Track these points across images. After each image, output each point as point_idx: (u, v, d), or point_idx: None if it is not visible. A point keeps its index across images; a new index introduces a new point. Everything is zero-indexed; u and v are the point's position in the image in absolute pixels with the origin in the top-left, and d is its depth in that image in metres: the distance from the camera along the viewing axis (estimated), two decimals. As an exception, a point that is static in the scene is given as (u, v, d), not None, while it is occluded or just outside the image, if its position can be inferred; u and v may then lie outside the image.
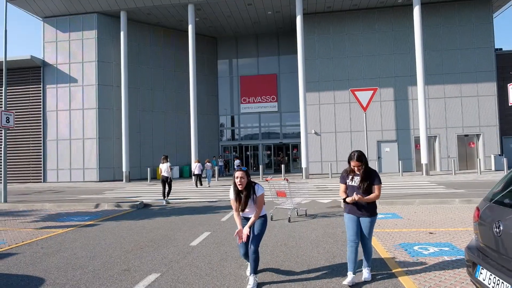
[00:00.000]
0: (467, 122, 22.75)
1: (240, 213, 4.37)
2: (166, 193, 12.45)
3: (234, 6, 23.02)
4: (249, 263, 4.29)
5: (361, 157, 4.13)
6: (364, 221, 4.16)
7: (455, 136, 22.81)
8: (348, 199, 4.15)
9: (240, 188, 4.26)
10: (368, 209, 4.17)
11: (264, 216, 4.39)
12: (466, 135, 22.95)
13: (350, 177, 4.24)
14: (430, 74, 22.91)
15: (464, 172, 21.39)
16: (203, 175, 19.67)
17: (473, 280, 3.05)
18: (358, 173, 4.17)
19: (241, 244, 4.33)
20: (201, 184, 18.62)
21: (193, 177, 19.41)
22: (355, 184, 4.18)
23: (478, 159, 19.83)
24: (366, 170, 4.16)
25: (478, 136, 22.82)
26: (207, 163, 19.16)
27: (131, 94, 24.27)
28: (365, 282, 4.19)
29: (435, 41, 23.19)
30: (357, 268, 4.57)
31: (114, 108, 23.99)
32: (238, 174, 4.27)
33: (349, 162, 4.22)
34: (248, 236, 4.24)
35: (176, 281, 4.44)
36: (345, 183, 4.27)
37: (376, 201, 10.59)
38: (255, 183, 4.31)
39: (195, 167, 18.45)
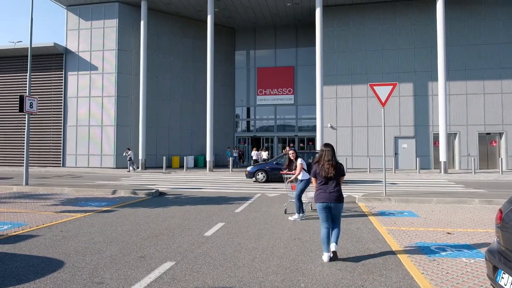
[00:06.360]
0: (490, 120, 22.11)
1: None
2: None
3: (253, -4, 22.85)
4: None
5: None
6: None
7: (476, 134, 22.23)
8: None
9: (292, 158, 8.11)
10: None
11: (303, 180, 7.80)
12: (488, 133, 22.33)
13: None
14: (452, 69, 22.30)
15: (485, 171, 20.86)
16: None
17: (493, 284, 2.97)
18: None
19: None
20: None
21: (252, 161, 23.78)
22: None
23: (500, 159, 19.32)
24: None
25: (500, 134, 22.19)
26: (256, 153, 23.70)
27: (150, 83, 24.50)
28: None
29: (458, 36, 22.51)
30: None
31: (132, 96, 24.28)
32: (291, 152, 8.16)
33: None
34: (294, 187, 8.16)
35: (191, 270, 4.49)
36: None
37: (391, 198, 10.52)
38: (299, 158, 7.92)
39: (255, 155, 23.21)
